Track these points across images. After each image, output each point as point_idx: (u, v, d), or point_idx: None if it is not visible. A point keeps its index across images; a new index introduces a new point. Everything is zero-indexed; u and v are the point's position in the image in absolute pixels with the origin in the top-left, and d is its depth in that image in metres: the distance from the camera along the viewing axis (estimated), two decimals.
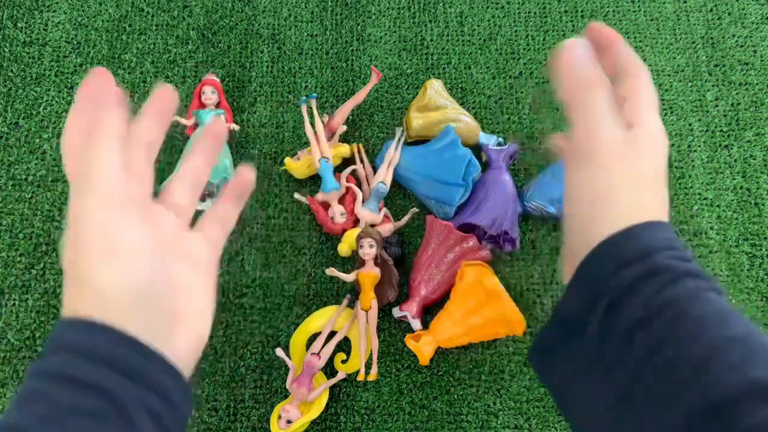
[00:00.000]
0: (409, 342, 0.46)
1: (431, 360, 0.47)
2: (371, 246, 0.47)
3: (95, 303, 0.27)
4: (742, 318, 0.30)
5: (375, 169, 0.52)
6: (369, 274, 0.47)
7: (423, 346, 0.46)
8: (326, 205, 0.51)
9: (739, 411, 0.26)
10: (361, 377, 0.47)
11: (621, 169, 0.34)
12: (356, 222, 0.50)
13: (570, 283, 0.34)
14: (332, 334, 0.48)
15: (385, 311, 0.49)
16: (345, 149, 0.52)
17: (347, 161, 0.53)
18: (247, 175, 0.37)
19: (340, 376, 0.47)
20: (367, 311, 0.47)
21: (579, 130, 0.35)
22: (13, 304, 0.49)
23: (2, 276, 0.50)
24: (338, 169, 0.52)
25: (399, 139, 0.52)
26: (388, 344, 0.48)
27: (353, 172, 0.52)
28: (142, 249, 0.28)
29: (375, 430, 0.46)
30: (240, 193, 0.37)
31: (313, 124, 0.52)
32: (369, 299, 0.47)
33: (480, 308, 0.46)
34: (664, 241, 0.32)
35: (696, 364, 0.28)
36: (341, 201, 0.51)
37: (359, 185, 0.52)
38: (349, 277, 0.48)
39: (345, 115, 0.53)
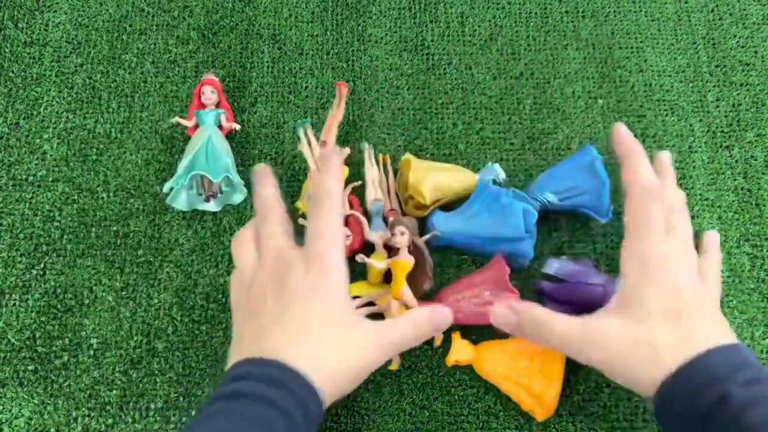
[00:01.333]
0: (456, 336, 0.45)
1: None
2: (402, 233, 0.46)
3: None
4: None
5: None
6: (400, 262, 0.46)
7: (462, 350, 0.45)
8: None
9: None
10: (394, 367, 0.47)
11: (691, 294, 0.38)
12: (364, 243, 0.49)
13: (656, 413, 0.36)
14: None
15: None
16: (345, 172, 0.51)
17: (347, 183, 0.52)
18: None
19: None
20: (398, 299, 0.46)
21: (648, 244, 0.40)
22: (14, 305, 0.49)
23: (2, 276, 0.50)
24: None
25: (370, 156, 0.52)
26: None
27: (353, 191, 0.51)
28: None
29: (376, 430, 0.46)
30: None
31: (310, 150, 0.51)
32: (400, 287, 0.46)
33: (533, 356, 0.44)
34: (734, 364, 0.35)
35: None
36: (345, 223, 0.49)
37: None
38: (381, 265, 0.47)
39: (334, 135, 0.52)
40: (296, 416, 0.33)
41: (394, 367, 0.47)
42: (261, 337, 0.37)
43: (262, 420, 0.32)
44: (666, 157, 0.46)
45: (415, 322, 0.40)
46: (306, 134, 0.51)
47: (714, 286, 0.42)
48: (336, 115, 0.52)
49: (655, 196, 0.41)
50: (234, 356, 0.37)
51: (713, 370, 0.34)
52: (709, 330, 0.37)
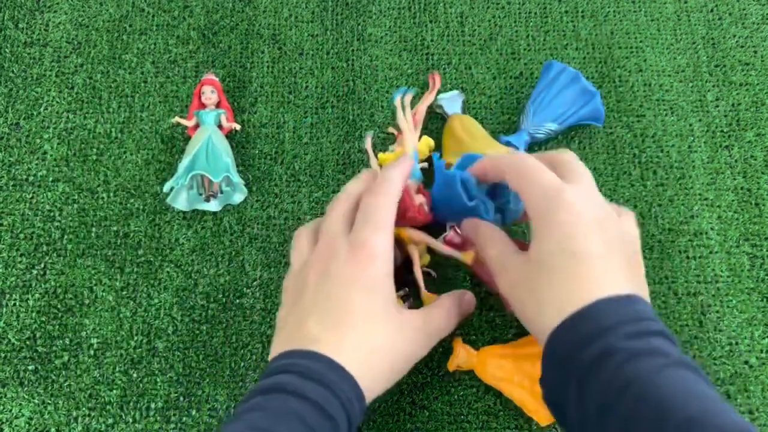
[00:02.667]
0: (458, 342, 0.46)
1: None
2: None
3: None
4: (701, 392, 0.30)
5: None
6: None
7: (463, 356, 0.45)
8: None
9: None
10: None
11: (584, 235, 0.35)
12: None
13: (542, 363, 0.35)
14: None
15: None
16: (430, 142, 0.52)
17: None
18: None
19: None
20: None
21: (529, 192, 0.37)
22: (14, 305, 0.50)
23: (2, 276, 0.50)
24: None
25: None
26: None
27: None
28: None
29: (376, 430, 0.46)
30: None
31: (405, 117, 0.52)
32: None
33: (535, 359, 0.43)
34: (622, 316, 0.32)
35: None
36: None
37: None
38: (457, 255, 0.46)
39: (421, 114, 0.53)
40: (333, 412, 0.33)
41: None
42: (301, 326, 0.36)
43: (297, 415, 0.32)
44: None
45: (448, 309, 0.40)
46: (402, 103, 0.52)
47: (632, 233, 0.39)
48: (425, 100, 0.53)
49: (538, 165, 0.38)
50: (275, 345, 0.37)
51: (599, 322, 0.32)
52: (607, 278, 0.34)
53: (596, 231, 0.35)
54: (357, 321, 0.36)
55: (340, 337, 0.35)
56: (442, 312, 0.40)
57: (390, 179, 0.40)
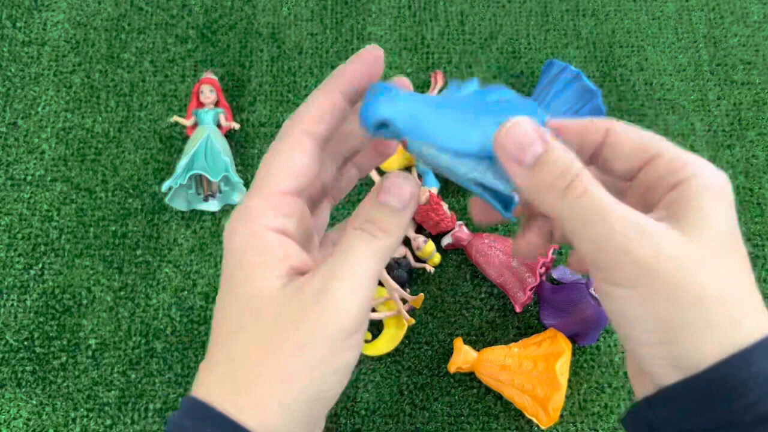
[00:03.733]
0: (458, 343, 0.46)
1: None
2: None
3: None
4: None
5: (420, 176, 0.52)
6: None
7: (464, 356, 0.45)
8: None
9: None
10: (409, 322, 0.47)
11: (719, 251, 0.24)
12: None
13: (669, 390, 0.22)
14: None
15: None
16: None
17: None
18: None
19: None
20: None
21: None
22: (12, 305, 0.49)
23: (1, 276, 0.50)
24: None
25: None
26: None
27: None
28: None
29: (375, 431, 0.46)
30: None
31: None
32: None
33: (537, 360, 0.44)
34: None
35: None
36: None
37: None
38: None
39: None
40: None
41: (409, 322, 0.47)
42: (203, 364, 0.25)
43: None
44: None
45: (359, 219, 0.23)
46: None
47: None
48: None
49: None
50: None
51: None
52: None
53: None
54: (225, 337, 0.24)
55: (237, 387, 0.23)
56: (353, 232, 0.23)
57: (296, 118, 0.24)
